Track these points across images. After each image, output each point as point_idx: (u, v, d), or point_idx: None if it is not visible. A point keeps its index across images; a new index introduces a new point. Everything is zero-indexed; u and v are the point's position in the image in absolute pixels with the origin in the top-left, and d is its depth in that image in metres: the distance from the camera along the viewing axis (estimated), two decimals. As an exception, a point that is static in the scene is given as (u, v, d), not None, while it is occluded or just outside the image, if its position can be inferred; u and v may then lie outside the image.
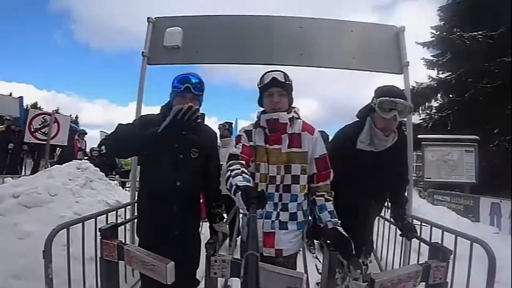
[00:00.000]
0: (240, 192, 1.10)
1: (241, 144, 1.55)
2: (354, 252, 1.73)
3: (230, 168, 1.35)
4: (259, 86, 1.60)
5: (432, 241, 1.71)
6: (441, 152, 7.07)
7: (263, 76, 1.60)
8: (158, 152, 1.50)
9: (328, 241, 1.42)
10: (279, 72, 1.57)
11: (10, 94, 13.52)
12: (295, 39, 2.75)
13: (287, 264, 1.50)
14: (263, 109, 1.62)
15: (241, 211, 1.53)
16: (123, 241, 1.56)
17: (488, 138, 8.24)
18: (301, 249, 3.33)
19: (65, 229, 1.68)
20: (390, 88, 1.63)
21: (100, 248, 1.46)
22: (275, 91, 1.53)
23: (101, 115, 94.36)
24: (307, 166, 1.56)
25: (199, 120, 1.41)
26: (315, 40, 2.75)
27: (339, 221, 1.45)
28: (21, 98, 8.27)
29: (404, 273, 1.34)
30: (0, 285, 1.95)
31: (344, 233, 1.40)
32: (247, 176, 1.27)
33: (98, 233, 1.51)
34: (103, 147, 7.60)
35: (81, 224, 1.81)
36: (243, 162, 1.43)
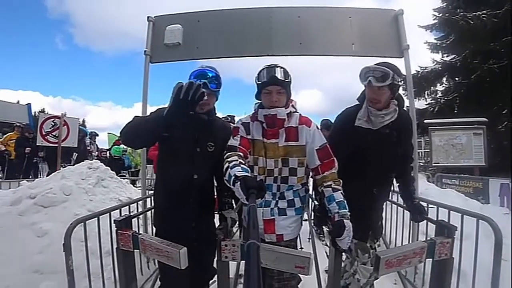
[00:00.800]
0: (239, 182, 1.10)
1: (239, 136, 1.56)
2: (360, 238, 1.76)
3: (228, 159, 1.36)
4: (257, 82, 1.57)
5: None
6: (449, 136, 6.97)
7: (260, 71, 1.56)
8: (170, 137, 1.51)
9: (329, 233, 1.45)
10: (279, 68, 1.53)
11: (18, 102, 13.85)
12: (294, 29, 2.76)
13: (289, 247, 1.53)
14: (260, 101, 1.62)
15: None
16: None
17: (496, 120, 8.10)
18: (310, 237, 3.36)
19: (82, 225, 1.75)
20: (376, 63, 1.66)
21: (116, 239, 1.52)
22: (273, 90, 1.51)
23: (107, 117, 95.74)
24: (304, 159, 1.57)
25: (205, 98, 1.36)
26: (314, 29, 2.75)
27: (348, 212, 1.41)
28: (29, 105, 8.49)
29: (409, 249, 1.37)
30: (25, 280, 2.05)
31: (347, 225, 1.34)
32: (245, 167, 1.28)
33: (113, 225, 1.57)
34: (111, 150, 7.75)
35: (96, 219, 1.89)
36: (241, 153, 1.44)
